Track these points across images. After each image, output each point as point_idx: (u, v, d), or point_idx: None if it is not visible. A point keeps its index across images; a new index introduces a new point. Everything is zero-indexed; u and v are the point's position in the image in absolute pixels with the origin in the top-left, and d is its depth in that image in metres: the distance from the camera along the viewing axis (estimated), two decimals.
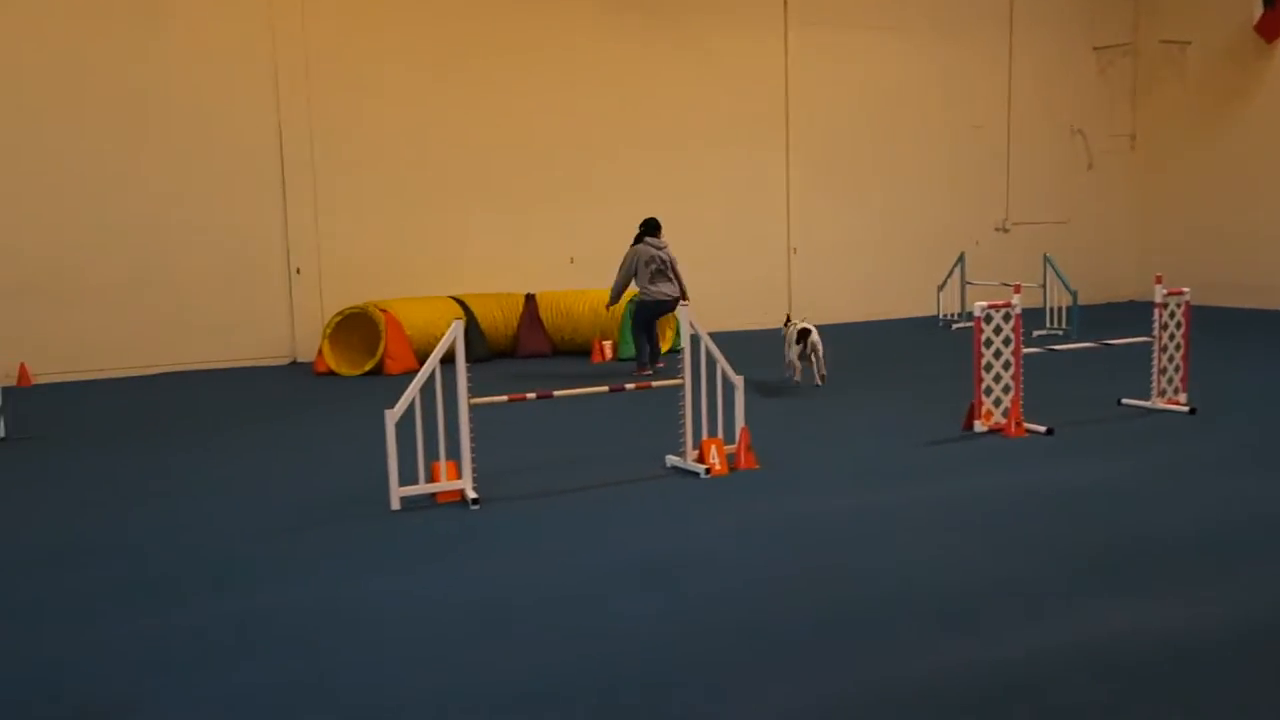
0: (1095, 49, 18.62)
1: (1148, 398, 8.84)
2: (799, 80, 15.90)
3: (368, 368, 11.68)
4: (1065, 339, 13.31)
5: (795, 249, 16.16)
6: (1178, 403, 8.77)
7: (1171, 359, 8.79)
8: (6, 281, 11.42)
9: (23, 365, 11.58)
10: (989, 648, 4.11)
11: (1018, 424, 7.96)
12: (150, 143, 12.20)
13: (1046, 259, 14.52)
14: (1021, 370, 8.08)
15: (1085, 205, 18.56)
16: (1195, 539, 5.44)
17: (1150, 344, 8.78)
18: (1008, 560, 5.16)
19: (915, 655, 4.06)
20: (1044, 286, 14.46)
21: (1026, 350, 8.27)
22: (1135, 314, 15.67)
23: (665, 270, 10.98)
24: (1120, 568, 5.02)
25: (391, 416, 6.12)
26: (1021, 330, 8.12)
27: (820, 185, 16.22)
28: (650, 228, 11.11)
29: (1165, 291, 8.77)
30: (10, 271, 11.59)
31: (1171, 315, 8.77)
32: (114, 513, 6.35)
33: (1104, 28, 18.62)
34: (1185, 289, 8.93)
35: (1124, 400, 9.00)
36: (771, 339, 14.45)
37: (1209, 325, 14.38)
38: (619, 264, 11.16)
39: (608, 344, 12.77)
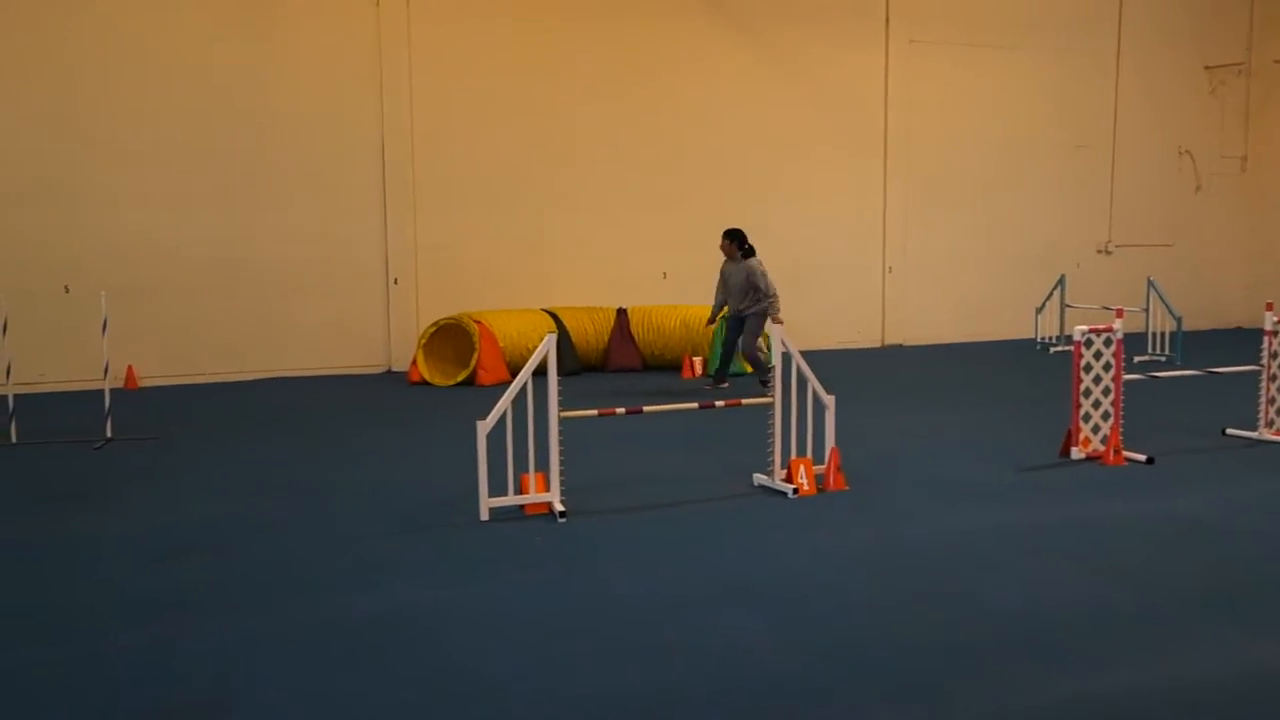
0: (1207, 68, 18.10)
1: (1254, 428, 8.54)
2: (899, 98, 15.75)
3: (461, 378, 11.87)
4: (1168, 365, 12.93)
5: (891, 268, 15.99)
6: None
7: None
8: (119, 284, 11.85)
9: (130, 367, 12.02)
10: (1091, 679, 4.01)
11: (1116, 451, 7.75)
12: (261, 151, 12.58)
13: (1150, 282, 14.14)
14: (1122, 397, 7.87)
15: (1192, 228, 18.02)
16: None
17: (1259, 372, 8.48)
18: (1107, 591, 5.03)
19: (1015, 687, 3.99)
20: (1147, 311, 14.07)
21: (1127, 376, 8.06)
22: (1243, 341, 15.13)
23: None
24: (1234, 602, 4.86)
25: (483, 427, 6.22)
26: (1123, 356, 7.91)
27: (919, 204, 16.03)
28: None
29: (1276, 319, 8.47)
30: (123, 275, 12.02)
31: None
32: (217, 510, 6.56)
33: (1216, 47, 18.09)
34: None
35: (1229, 430, 8.71)
36: (865, 358, 14.31)
37: None
38: (759, 279, 11.16)
39: (698, 360, 12.78)
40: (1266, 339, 8.45)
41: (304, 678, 4.08)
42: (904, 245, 16.03)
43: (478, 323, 11.95)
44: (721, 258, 11.41)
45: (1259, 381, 8.50)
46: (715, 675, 4.08)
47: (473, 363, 11.82)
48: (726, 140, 14.78)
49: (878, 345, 15.87)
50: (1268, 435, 8.45)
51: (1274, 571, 5.34)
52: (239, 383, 12.46)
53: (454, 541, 5.88)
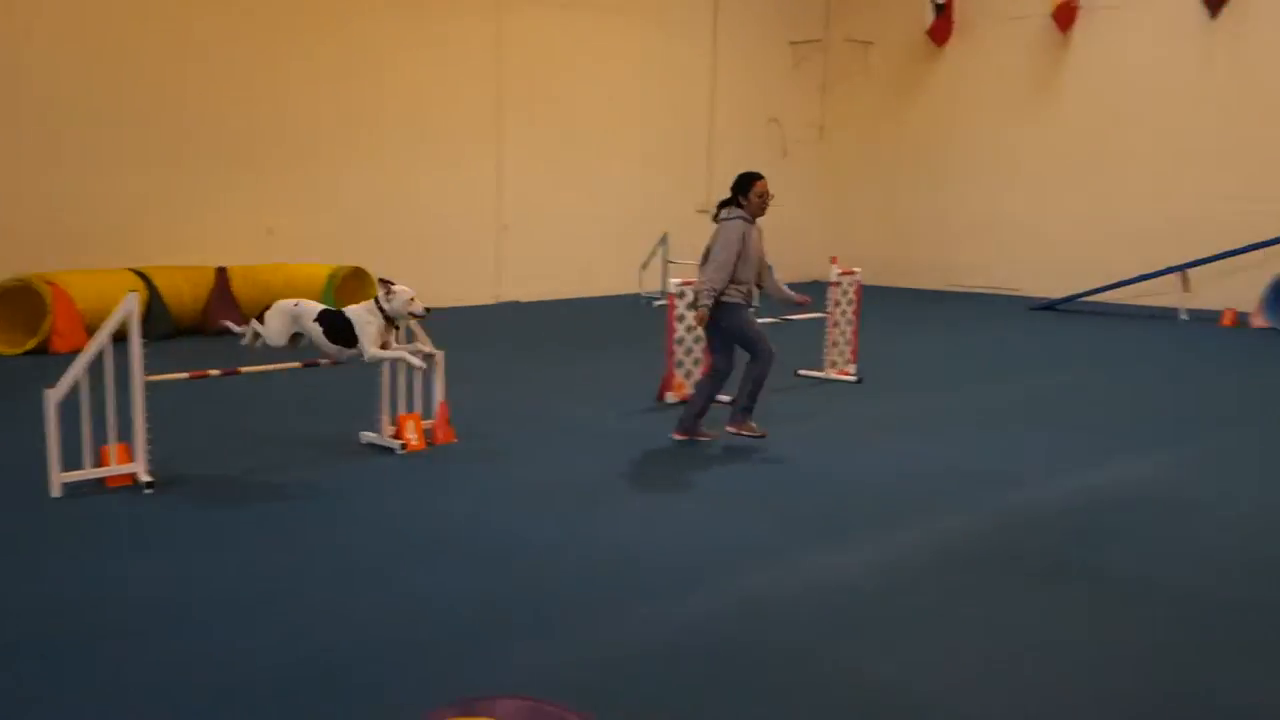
0: (791, 43, 19.73)
1: (821, 369, 9.52)
2: (512, 57, 15.89)
3: (30, 346, 10.73)
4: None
5: (506, 225, 16.19)
6: (847, 374, 9.50)
7: (844, 334, 9.50)
8: None
9: None
10: (707, 601, 4.33)
11: None
12: None
13: None
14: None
15: (779, 190, 19.58)
16: (872, 490, 5.95)
17: (824, 320, 9.45)
18: (726, 519, 5.44)
19: (611, 622, 4.22)
20: None
21: None
22: (819, 292, 16.75)
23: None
24: (802, 523, 5.41)
25: (53, 396, 5.68)
26: None
27: (533, 163, 16.31)
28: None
29: (839, 271, 9.46)
30: None
31: (844, 293, 9.47)
32: None
33: (799, 24, 19.76)
34: (857, 269, 9.67)
35: (800, 371, 9.65)
36: (479, 314, 14.45)
37: (879, 303, 15.62)
38: (722, 245, 7.06)
39: None
40: (832, 289, 9.41)
41: None
42: (518, 203, 16.28)
43: (50, 284, 10.84)
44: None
45: (825, 328, 9.47)
46: (285, 645, 4.01)
47: (45, 328, 10.71)
48: (339, 97, 14.26)
49: (493, 302, 16.07)
50: (832, 375, 9.45)
51: (828, 495, 6.01)
52: None
53: (14, 521, 5.34)
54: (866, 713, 3.53)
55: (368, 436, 7.05)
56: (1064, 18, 16.98)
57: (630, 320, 14.24)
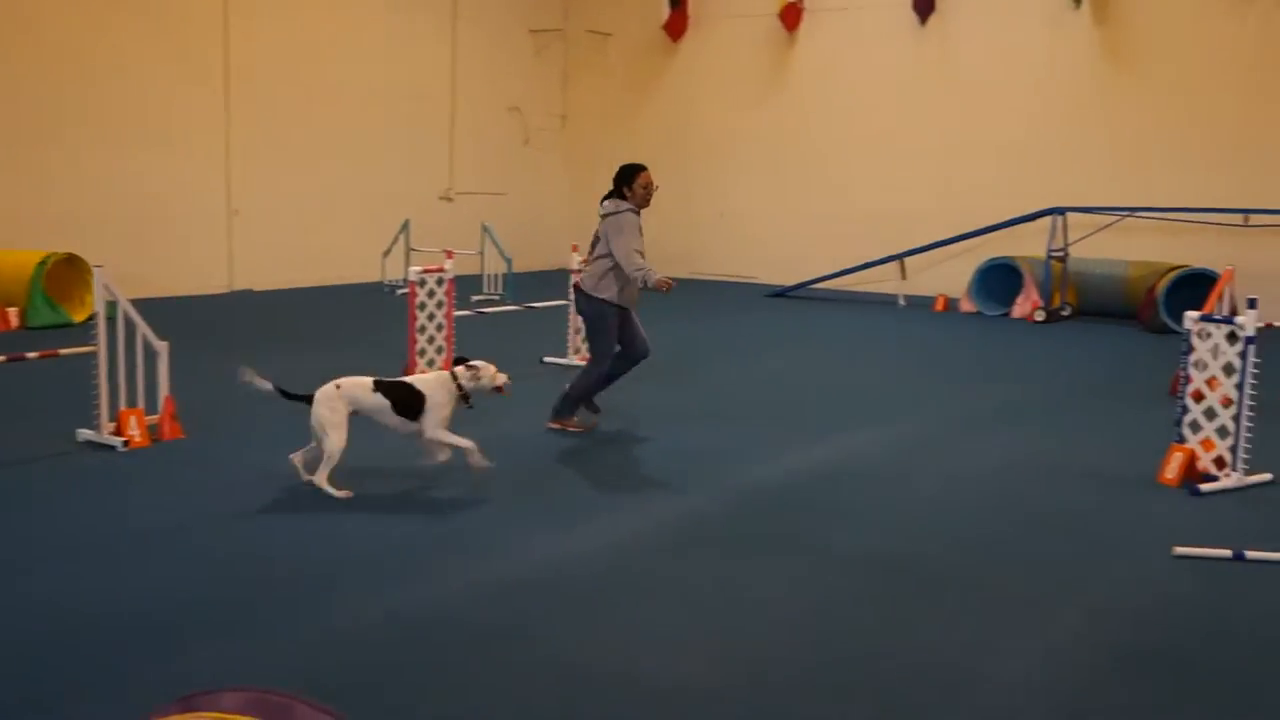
0: (532, 32, 19.81)
1: (565, 355, 9.68)
2: (239, 34, 15.16)
3: None
4: (500, 303, 14.11)
5: (237, 210, 15.47)
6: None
7: None
8: None
9: None
10: (430, 587, 4.32)
11: None
12: None
13: (485, 228, 15.26)
14: (454, 332, 8.47)
15: (522, 179, 19.73)
16: (610, 472, 6.10)
17: (567, 307, 9.60)
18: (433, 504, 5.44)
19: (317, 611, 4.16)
20: (482, 254, 15.19)
21: (457, 313, 8.69)
22: (562, 280, 16.99)
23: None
24: (538, 506, 5.50)
25: None
26: (454, 294, 8.50)
27: (265, 146, 15.64)
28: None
29: (581, 260, 9.62)
30: None
31: None
32: None
33: (539, 13, 19.85)
34: None
35: (546, 358, 9.78)
36: (210, 304, 13.75)
37: None
38: (620, 234, 7.09)
39: (13, 311, 11.39)
40: (573, 277, 9.56)
41: None
42: (249, 187, 15.59)
43: None
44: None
45: (568, 315, 9.63)
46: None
47: None
48: (45, 71, 13.18)
49: (225, 291, 15.33)
50: (577, 360, 9.62)
51: (565, 479, 6.15)
52: None
53: None
54: (591, 691, 3.66)
55: (85, 434, 6.61)
56: (790, 18, 17.88)
57: (372, 309, 13.95)
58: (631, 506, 5.66)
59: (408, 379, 5.93)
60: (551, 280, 17.94)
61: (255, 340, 10.99)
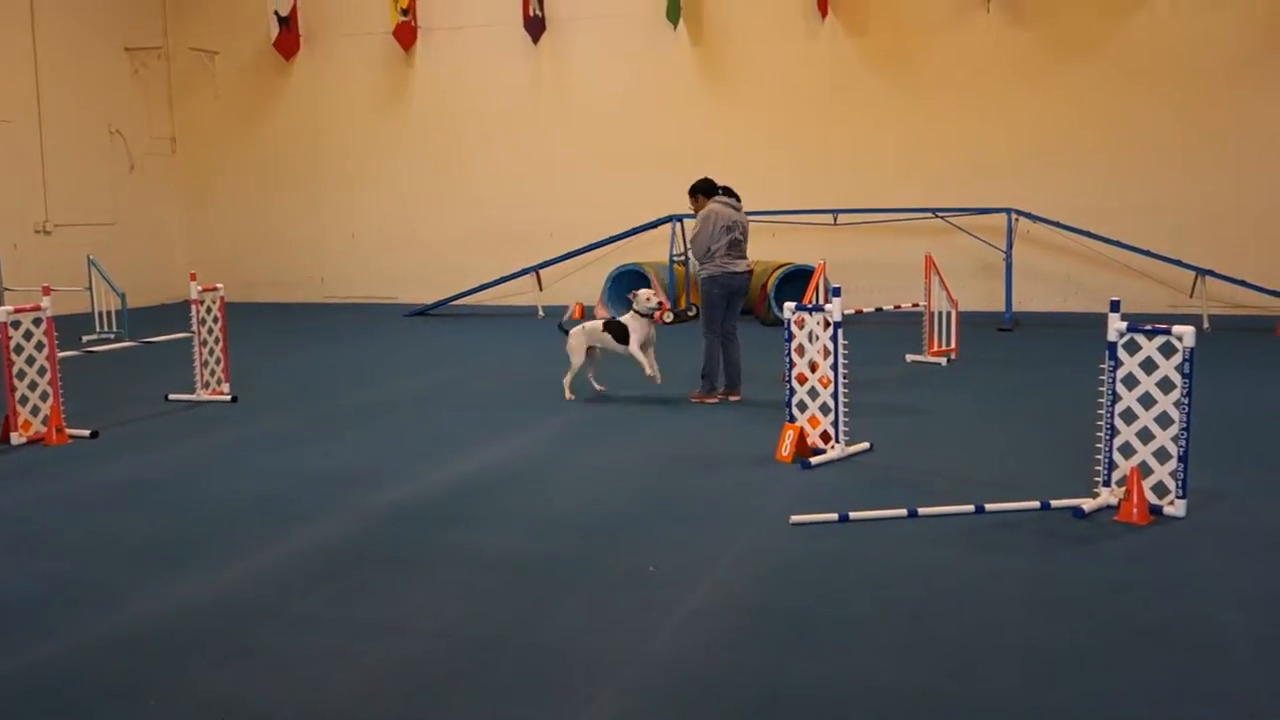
0: (128, 50, 18.46)
1: (193, 391, 9.15)
2: None
3: None
4: (116, 341, 13.06)
5: None
6: (221, 393, 9.22)
7: (212, 352, 9.20)
8: None
9: None
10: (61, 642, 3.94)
11: (60, 430, 7.65)
12: None
13: (91, 261, 14.07)
14: (59, 375, 7.77)
15: (131, 207, 18.33)
16: (250, 506, 5.85)
17: (191, 339, 9.08)
18: (58, 566, 4.98)
19: None
20: (90, 289, 13.99)
21: (63, 354, 7.98)
22: (186, 312, 16.01)
23: (744, 241, 9.09)
24: (168, 547, 5.18)
25: None
26: (55, 334, 7.80)
27: None
28: (715, 185, 9.15)
29: (200, 288, 9.13)
30: None
31: (209, 310, 9.17)
32: None
33: (136, 30, 18.53)
34: (219, 285, 9.40)
35: (171, 396, 9.19)
36: None
37: (251, 320, 15.30)
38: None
39: None
40: (194, 307, 9.07)
41: None
42: None
43: None
44: None
45: (193, 347, 9.10)
46: None
47: None
48: None
49: None
50: (205, 395, 9.11)
51: (205, 515, 5.84)
52: None
53: None
54: None
55: None
56: (405, 36, 17.81)
57: None
58: (281, 537, 5.44)
59: (620, 318, 8.93)
60: (174, 313, 16.83)
61: None
